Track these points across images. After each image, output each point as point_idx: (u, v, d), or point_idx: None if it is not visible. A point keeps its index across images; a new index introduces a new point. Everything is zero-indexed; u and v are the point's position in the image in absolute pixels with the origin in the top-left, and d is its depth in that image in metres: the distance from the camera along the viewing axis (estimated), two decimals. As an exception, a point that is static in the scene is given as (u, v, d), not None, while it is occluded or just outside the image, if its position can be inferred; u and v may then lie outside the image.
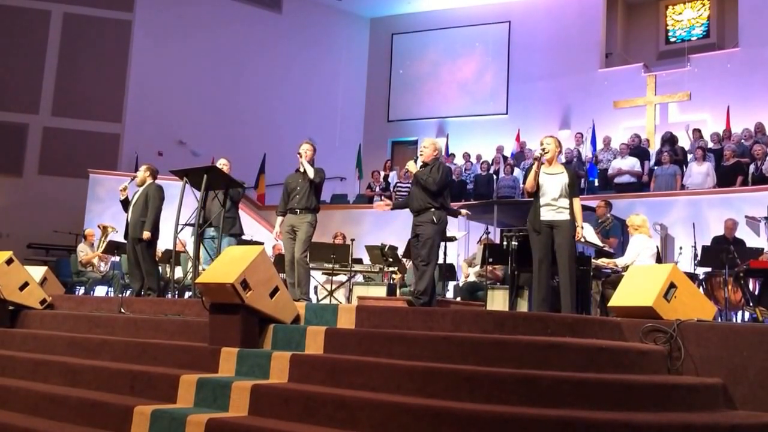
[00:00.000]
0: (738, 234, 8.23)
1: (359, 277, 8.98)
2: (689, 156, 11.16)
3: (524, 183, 5.75)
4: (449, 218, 5.99)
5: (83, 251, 9.60)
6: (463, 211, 7.68)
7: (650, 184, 10.81)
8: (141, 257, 6.80)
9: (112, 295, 9.15)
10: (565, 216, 5.33)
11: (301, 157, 6.34)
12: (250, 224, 11.07)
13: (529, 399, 3.02)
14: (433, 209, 5.55)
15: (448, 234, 7.46)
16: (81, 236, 10.79)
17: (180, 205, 6.36)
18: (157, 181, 7.09)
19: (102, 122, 13.97)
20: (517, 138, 13.85)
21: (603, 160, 11.80)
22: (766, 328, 3.68)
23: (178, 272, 7.81)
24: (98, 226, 9.87)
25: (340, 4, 16.53)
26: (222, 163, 7.11)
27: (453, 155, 14.25)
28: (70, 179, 13.12)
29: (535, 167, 5.48)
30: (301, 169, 6.35)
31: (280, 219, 6.43)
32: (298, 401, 3.29)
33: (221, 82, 14.88)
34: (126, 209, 7.07)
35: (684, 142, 12.00)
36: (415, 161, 5.88)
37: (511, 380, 3.11)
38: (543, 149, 5.49)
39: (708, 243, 7.94)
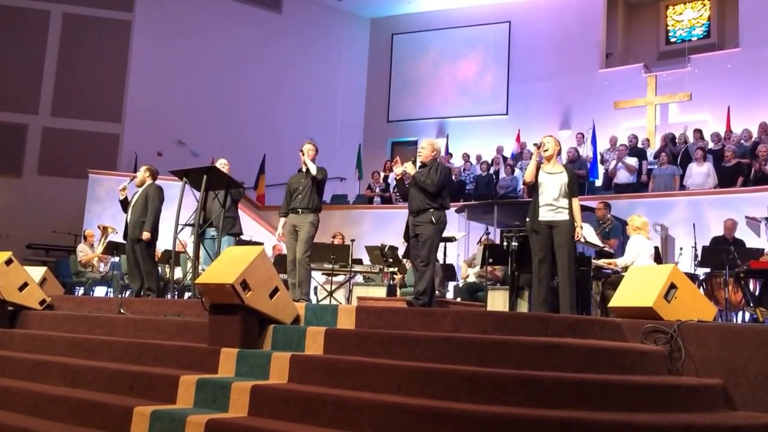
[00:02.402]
0: (738, 234, 8.21)
1: (359, 278, 8.97)
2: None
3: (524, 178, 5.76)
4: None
5: (83, 252, 9.59)
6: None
7: (648, 185, 10.81)
8: (140, 258, 6.79)
9: (111, 295, 9.14)
10: (564, 216, 5.33)
11: (303, 155, 6.33)
12: (249, 225, 11.06)
13: (530, 400, 3.01)
14: (432, 209, 5.54)
15: (448, 234, 7.46)
16: (80, 237, 10.80)
17: (179, 206, 6.36)
18: (156, 182, 7.08)
19: (101, 122, 13.97)
20: (518, 138, 13.84)
21: (608, 159, 11.81)
22: (766, 328, 3.67)
23: (178, 273, 7.80)
24: (98, 227, 9.87)
25: (340, 4, 16.52)
26: (222, 163, 7.10)
27: (451, 155, 14.25)
28: (69, 179, 13.12)
29: (535, 156, 5.48)
30: (304, 168, 6.35)
31: (282, 220, 6.43)
32: (298, 402, 3.29)
33: (221, 82, 14.87)
34: (125, 209, 7.07)
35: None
36: (414, 162, 5.87)
37: (512, 381, 3.10)
38: (543, 148, 5.50)
39: (708, 243, 7.93)
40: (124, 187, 7.16)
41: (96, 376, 4.11)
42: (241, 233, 7.24)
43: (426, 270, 5.45)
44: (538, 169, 5.46)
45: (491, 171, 12.65)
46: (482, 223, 9.76)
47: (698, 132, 11.69)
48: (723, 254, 6.86)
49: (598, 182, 11.80)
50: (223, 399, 3.50)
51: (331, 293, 8.08)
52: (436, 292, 6.43)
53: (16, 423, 3.66)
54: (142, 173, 7.11)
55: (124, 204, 7.11)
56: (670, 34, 15.09)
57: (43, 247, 13.02)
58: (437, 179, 5.52)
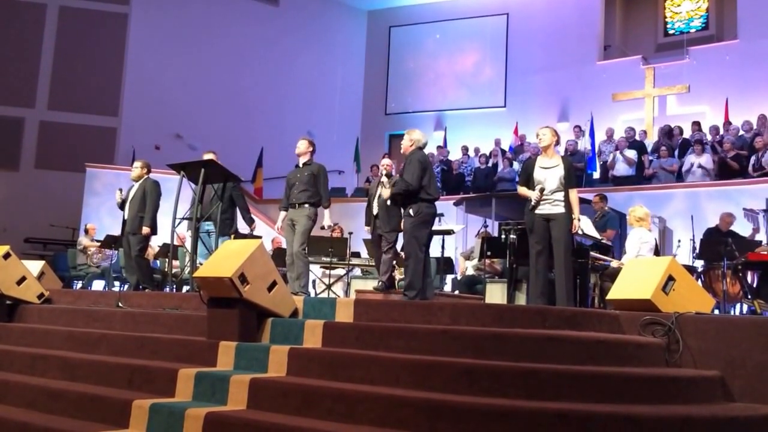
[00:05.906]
0: (734, 227, 8.20)
1: (357, 271, 8.97)
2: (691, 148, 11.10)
3: (519, 182, 5.72)
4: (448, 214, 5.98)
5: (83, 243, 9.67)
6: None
7: (650, 178, 10.81)
8: (131, 250, 6.78)
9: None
10: (561, 209, 5.32)
11: (299, 156, 6.45)
12: (247, 218, 11.03)
13: (528, 392, 3.02)
14: (411, 202, 5.51)
15: (447, 227, 7.46)
16: (78, 231, 10.82)
17: (177, 200, 6.35)
18: (153, 176, 7.06)
19: (99, 116, 13.93)
20: (515, 131, 13.83)
21: (605, 152, 11.78)
22: (763, 320, 3.68)
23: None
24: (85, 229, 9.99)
25: (338, -4, 16.48)
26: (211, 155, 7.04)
27: (448, 151, 14.23)
28: (66, 173, 13.09)
29: (534, 199, 5.34)
30: (300, 164, 6.45)
31: (282, 214, 6.55)
32: (297, 395, 3.29)
33: (218, 76, 14.82)
34: (123, 208, 7.03)
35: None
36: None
37: (510, 373, 3.11)
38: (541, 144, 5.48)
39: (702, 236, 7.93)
40: (120, 196, 7.08)
41: (94, 370, 4.11)
42: (238, 232, 7.24)
43: (409, 264, 5.43)
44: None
45: (490, 164, 12.64)
46: (480, 216, 9.76)
47: (696, 124, 11.68)
48: (721, 246, 6.85)
49: (596, 174, 11.79)
50: (222, 392, 3.50)
51: (329, 286, 8.08)
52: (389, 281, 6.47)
53: (15, 417, 3.66)
54: (139, 169, 7.08)
55: (122, 204, 7.06)
56: (669, 25, 15.05)
57: (41, 241, 13.01)
58: (402, 184, 5.46)
